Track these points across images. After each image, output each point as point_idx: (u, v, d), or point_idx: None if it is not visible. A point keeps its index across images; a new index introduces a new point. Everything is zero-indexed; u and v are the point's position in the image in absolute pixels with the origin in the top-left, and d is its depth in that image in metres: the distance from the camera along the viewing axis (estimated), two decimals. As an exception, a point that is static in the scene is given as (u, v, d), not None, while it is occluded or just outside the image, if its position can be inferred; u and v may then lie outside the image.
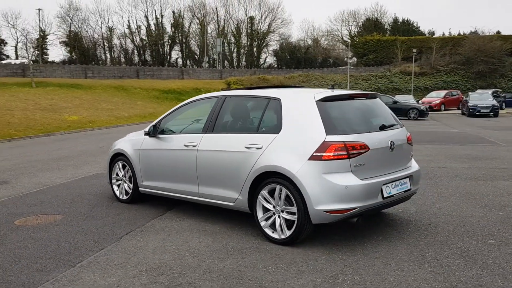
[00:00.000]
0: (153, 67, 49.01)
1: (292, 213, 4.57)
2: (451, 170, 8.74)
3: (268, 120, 5.00)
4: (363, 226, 5.25)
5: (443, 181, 7.68)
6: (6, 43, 58.93)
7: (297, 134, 4.63)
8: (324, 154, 4.37)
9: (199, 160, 5.43)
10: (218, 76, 50.27)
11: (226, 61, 73.83)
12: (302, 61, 68.65)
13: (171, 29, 70.00)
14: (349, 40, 62.54)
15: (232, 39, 74.25)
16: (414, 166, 5.29)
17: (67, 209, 6.27)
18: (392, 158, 4.85)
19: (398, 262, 4.15)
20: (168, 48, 70.14)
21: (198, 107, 5.93)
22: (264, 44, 74.92)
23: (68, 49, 63.08)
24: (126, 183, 6.54)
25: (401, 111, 26.49)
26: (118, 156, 6.67)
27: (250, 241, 4.81)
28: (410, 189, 5.00)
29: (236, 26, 73.17)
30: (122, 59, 67.44)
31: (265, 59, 76.85)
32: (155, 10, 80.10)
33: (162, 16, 69.56)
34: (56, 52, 76.33)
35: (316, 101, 4.65)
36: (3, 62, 48.37)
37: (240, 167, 4.96)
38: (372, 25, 67.74)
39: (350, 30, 72.71)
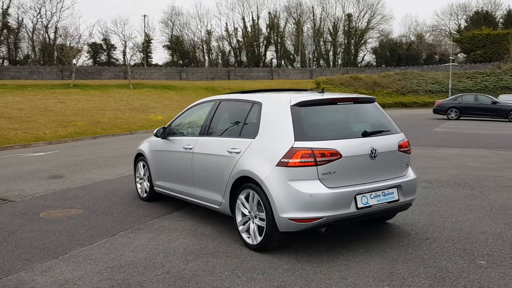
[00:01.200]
0: (244, 68, 50.48)
1: (263, 220, 4.54)
2: (507, 180, 7.86)
3: (249, 124, 5.00)
4: (355, 235, 5.00)
5: (485, 192, 6.95)
6: (116, 47, 64.70)
7: (270, 139, 4.58)
8: (290, 160, 4.27)
9: (193, 162, 5.61)
10: (309, 76, 50.13)
11: (322, 60, 73.37)
12: (403, 59, 65.70)
13: (267, 29, 71.37)
14: (457, 35, 58.38)
15: (329, 38, 73.50)
16: (408, 175, 4.90)
17: (92, 205, 6.84)
18: (373, 167, 4.56)
19: (357, 277, 3.91)
20: (263, 48, 71.62)
21: (204, 110, 6.09)
22: (362, 41, 73.03)
23: (170, 52, 67.42)
24: (145, 182, 6.95)
25: (500, 113, 24.23)
26: (140, 156, 7.11)
27: (229, 245, 4.85)
28: (397, 200, 4.66)
29: (333, 24, 72.29)
30: (219, 61, 70.32)
31: (363, 57, 74.92)
32: (251, 12, 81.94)
33: (258, 18, 71.30)
34: (160, 55, 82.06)
35: (290, 106, 4.55)
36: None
37: (223, 171, 5.03)
38: (481, 18, 62.49)
39: (460, 24, 67.85)
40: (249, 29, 70.73)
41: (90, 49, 62.35)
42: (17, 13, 62.32)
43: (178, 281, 3.96)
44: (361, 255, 4.44)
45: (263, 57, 71.71)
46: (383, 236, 5.02)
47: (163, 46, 68.00)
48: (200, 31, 71.84)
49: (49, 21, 58.36)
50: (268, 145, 4.55)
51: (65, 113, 22.31)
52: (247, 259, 4.45)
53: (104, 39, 62.50)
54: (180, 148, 5.91)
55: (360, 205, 4.38)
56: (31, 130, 17.86)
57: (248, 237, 4.74)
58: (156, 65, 62.40)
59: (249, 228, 4.75)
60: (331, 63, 71.77)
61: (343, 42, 73.06)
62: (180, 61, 60.91)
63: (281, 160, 4.32)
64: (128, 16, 75.43)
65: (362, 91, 43.88)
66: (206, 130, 5.60)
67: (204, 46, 69.89)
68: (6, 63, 56.52)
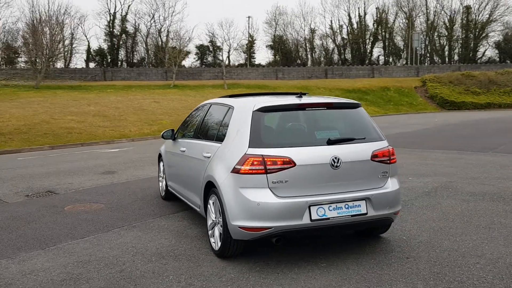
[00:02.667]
0: (343, 67, 49.50)
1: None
2: None
3: (222, 129, 4.97)
4: (333, 247, 4.70)
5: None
6: (221, 49, 67.56)
7: (231, 145, 4.51)
8: (241, 167, 4.18)
9: (184, 164, 5.76)
10: (414, 73, 47.43)
11: (436, 57, 68.92)
12: (532, 53, 58.96)
13: (373, 25, 69.09)
14: None
15: (444, 32, 68.78)
16: (386, 187, 4.46)
17: (116, 200, 7.33)
18: (336, 177, 4.24)
19: (291, 295, 3.70)
20: (369, 45, 69.44)
21: (201, 113, 6.19)
22: (482, 35, 67.07)
23: (272, 52, 68.57)
24: (163, 181, 7.27)
25: None
26: (160, 157, 7.45)
27: (200, 249, 4.87)
28: (364, 214, 4.28)
29: (449, 17, 67.49)
30: (322, 59, 69.74)
31: (484, 52, 68.77)
32: (358, 8, 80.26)
33: (365, 13, 69.38)
34: (262, 55, 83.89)
35: (252, 111, 4.44)
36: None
37: (199, 174, 5.09)
38: None
39: None
40: (354, 25, 69.13)
41: (198, 51, 66.02)
42: (134, 19, 68.28)
43: (121, 281, 4.09)
44: (317, 270, 4.17)
45: (369, 54, 69.51)
46: (360, 251, 4.64)
47: (266, 46, 69.41)
48: (304, 30, 72.11)
49: (161, 26, 63.07)
50: (229, 151, 4.50)
51: (155, 112, 23.97)
52: (203, 264, 4.44)
53: (211, 41, 65.67)
54: (178, 150, 6.09)
55: (315, 217, 4.12)
56: (119, 128, 19.54)
57: (214, 242, 4.74)
58: (259, 65, 63.92)
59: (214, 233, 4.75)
60: (446, 59, 67.05)
61: (460, 37, 67.84)
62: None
63: (235, 167, 4.25)
64: (233, 18, 78.32)
65: (474, 89, 40.33)
66: (196, 134, 5.72)
67: (307, 44, 69.86)
68: (124, 65, 62.26)
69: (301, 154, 4.18)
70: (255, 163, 4.12)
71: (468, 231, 5.18)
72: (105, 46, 62.18)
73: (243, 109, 4.64)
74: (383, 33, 69.14)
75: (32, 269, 4.44)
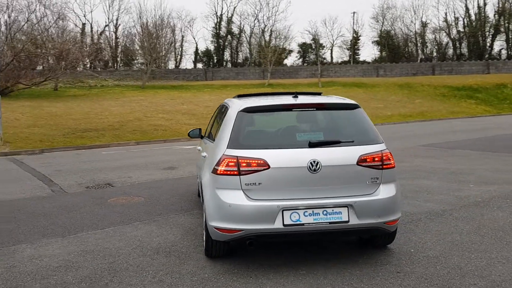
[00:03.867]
0: (452, 62, 46.06)
1: None
2: None
3: (219, 129, 4.99)
4: (324, 254, 4.47)
5: None
6: (324, 46, 66.88)
7: (217, 145, 4.52)
8: (218, 168, 4.18)
9: (199, 163, 5.89)
10: (539, 69, 42.39)
11: None
12: None
13: (495, 16, 63.06)
14: None
15: None
16: (375, 194, 4.12)
17: (157, 196, 7.70)
18: (314, 181, 4.02)
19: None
20: (489, 38, 63.57)
21: (215, 113, 6.24)
22: None
23: (379, 48, 66.10)
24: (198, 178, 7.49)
25: None
26: (198, 155, 7.68)
27: (197, 247, 4.94)
28: (345, 222, 3.99)
29: None
30: (434, 54, 65.51)
31: None
32: (478, -3, 73.70)
33: (485, 4, 63.58)
34: (368, 52, 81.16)
35: (237, 112, 4.41)
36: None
37: (200, 174, 5.20)
38: None
39: None
40: (472, 17, 63.80)
41: (300, 49, 66.17)
42: (239, 20, 70.53)
43: (104, 272, 4.31)
44: (292, 277, 4.01)
45: (489, 48, 63.61)
46: (352, 261, 4.34)
47: (372, 42, 67.16)
48: (414, 24, 68.23)
49: (265, 25, 64.26)
50: (214, 151, 4.51)
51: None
52: (188, 262, 4.51)
53: (313, 39, 65.33)
54: (199, 148, 6.26)
55: (288, 221, 3.96)
56: (203, 126, 20.33)
57: (203, 242, 4.78)
58: (364, 61, 62.09)
59: (209, 232, 4.80)
60: None
61: None
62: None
63: (214, 167, 4.26)
64: (337, 15, 76.93)
65: None
66: (208, 133, 5.83)
67: (417, 39, 66.13)
68: (229, 65, 64.68)
69: (276, 157, 4.05)
70: (230, 164, 4.08)
71: (491, 248, 4.58)
72: (211, 47, 65.29)
73: (233, 109, 4.62)
74: (506, 25, 62.78)
75: (41, 255, 4.89)
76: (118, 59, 59.53)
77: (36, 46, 28.48)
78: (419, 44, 66.47)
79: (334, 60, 65.93)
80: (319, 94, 5.45)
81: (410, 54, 66.04)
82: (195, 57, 65.07)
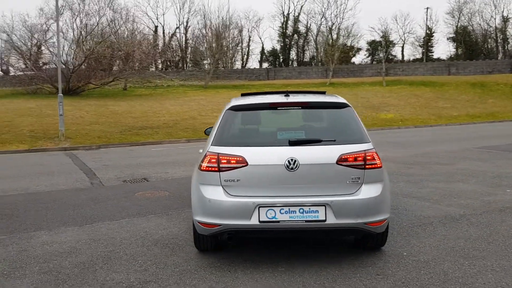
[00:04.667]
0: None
1: None
2: None
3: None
4: (309, 253, 4.45)
5: None
6: (395, 44, 64.75)
7: (207, 142, 4.66)
8: (202, 164, 4.32)
9: None
10: None
11: None
12: None
13: None
14: None
15: None
16: (356, 194, 4.05)
17: (182, 190, 7.96)
18: (292, 179, 4.04)
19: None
20: None
21: None
22: None
23: (454, 44, 62.84)
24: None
25: None
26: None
27: (189, 240, 5.09)
28: (322, 221, 3.95)
29: None
30: (517, 51, 61.10)
31: None
32: None
33: None
34: (442, 49, 77.21)
35: (225, 110, 4.54)
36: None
37: None
38: None
39: None
40: (562, 9, 58.77)
41: (369, 46, 64.59)
42: (306, 19, 70.20)
43: (99, 259, 4.60)
44: (268, 273, 4.06)
45: None
46: (334, 261, 4.29)
47: (448, 39, 63.99)
48: (494, 19, 64.01)
49: (333, 23, 63.43)
50: (204, 148, 4.66)
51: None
52: (178, 254, 4.69)
53: (383, 36, 63.48)
54: None
55: (263, 218, 4.01)
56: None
57: None
58: (438, 59, 59.34)
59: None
60: None
61: None
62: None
63: (200, 164, 4.41)
64: (409, 11, 74.03)
65: None
66: None
67: (497, 35, 62.06)
68: (295, 64, 64.66)
69: (255, 154, 4.13)
70: (212, 160, 4.21)
71: (491, 256, 4.33)
72: (277, 46, 65.61)
73: (224, 108, 4.75)
74: None
75: (53, 241, 5.30)
76: (188, 59, 61.69)
77: (105, 48, 30.27)
78: (499, 40, 62.39)
79: (406, 58, 63.70)
80: (323, 93, 5.42)
81: (489, 51, 62.18)
82: (261, 57, 65.74)
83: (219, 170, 4.16)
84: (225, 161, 4.15)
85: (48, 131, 17.24)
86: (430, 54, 62.76)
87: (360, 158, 4.10)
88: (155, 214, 6.37)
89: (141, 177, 9.59)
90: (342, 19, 77.25)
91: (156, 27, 61.96)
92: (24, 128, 17.73)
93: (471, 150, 12.42)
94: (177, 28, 62.30)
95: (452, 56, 61.47)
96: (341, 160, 4.07)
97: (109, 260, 4.58)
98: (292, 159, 4.04)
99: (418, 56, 63.22)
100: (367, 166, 4.11)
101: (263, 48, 65.88)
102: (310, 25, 65.57)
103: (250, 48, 66.11)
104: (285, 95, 4.70)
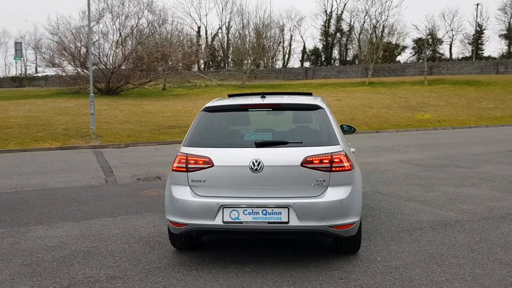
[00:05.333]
0: None
1: None
2: None
3: None
4: (284, 253, 4.45)
5: None
6: (442, 42, 62.68)
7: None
8: (173, 164, 4.42)
9: None
10: None
11: None
12: None
13: None
14: None
15: None
16: (321, 196, 4.02)
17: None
18: (256, 181, 4.08)
19: (170, 291, 3.79)
20: None
21: None
22: None
23: (507, 42, 60.09)
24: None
25: None
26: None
27: (167, 239, 5.14)
28: (285, 223, 3.95)
29: None
30: None
31: None
32: None
33: None
34: (494, 46, 73.75)
35: (200, 111, 4.64)
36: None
37: None
38: None
39: None
40: None
41: (415, 44, 62.86)
42: (349, 17, 69.08)
43: (80, 254, 4.79)
44: (231, 273, 4.11)
45: None
46: (302, 263, 4.28)
47: (499, 36, 61.24)
48: (552, 14, 60.61)
49: (377, 21, 62.18)
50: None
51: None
52: (155, 252, 4.80)
53: (430, 34, 61.61)
54: None
55: (227, 219, 4.06)
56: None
57: None
58: (489, 57, 56.94)
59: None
60: None
61: None
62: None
63: (173, 164, 4.50)
64: (458, 7, 71.40)
65: None
66: None
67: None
68: (337, 63, 63.91)
69: (221, 155, 4.20)
70: (181, 161, 4.32)
71: (469, 264, 4.19)
72: (320, 45, 65.08)
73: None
74: None
75: (46, 235, 5.55)
76: (229, 59, 62.28)
77: (144, 50, 31.15)
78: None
79: (454, 56, 61.57)
80: (310, 94, 5.40)
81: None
82: (302, 56, 65.49)
83: (187, 170, 4.25)
84: (193, 161, 4.24)
85: (81, 129, 17.94)
86: (480, 52, 60.33)
87: (326, 161, 4.07)
88: (151, 212, 6.53)
89: (155, 175, 9.83)
90: (387, 16, 75.52)
91: (199, 27, 63.03)
92: (59, 126, 18.53)
93: (501, 153, 11.89)
94: (219, 28, 63.12)
95: (504, 54, 58.81)
96: (306, 162, 4.06)
97: (88, 256, 4.76)
98: (256, 161, 4.07)
99: (468, 54, 61.00)
100: (333, 169, 4.07)
101: (304, 47, 65.68)
102: (354, 23, 64.60)
103: (292, 47, 66.07)
104: (261, 97, 4.73)
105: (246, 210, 4.05)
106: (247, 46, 41.81)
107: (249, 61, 39.24)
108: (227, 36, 63.86)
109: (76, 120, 20.01)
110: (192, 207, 4.16)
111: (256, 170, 4.06)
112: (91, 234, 5.54)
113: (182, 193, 4.25)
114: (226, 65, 61.61)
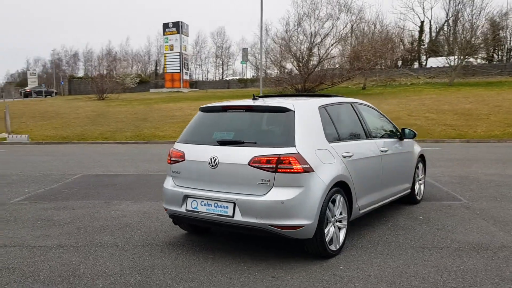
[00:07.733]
0: None
1: None
2: None
3: None
4: (269, 248, 4.68)
5: None
6: None
7: None
8: (168, 158, 5.23)
9: None
10: None
11: None
12: None
13: None
14: None
15: None
16: (264, 195, 4.28)
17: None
18: (214, 176, 4.59)
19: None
20: None
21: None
22: None
23: None
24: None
25: None
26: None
27: (158, 225, 5.92)
28: (230, 216, 4.40)
29: None
30: None
31: None
32: None
33: None
34: None
35: (199, 110, 5.29)
36: None
37: None
38: None
39: None
40: None
41: None
42: None
43: (81, 233, 5.61)
44: (218, 268, 4.36)
45: None
46: (285, 260, 4.54)
47: None
48: None
49: None
50: None
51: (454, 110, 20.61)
52: (151, 238, 5.38)
53: None
54: None
55: (189, 208, 4.72)
56: (464, 127, 18.95)
57: None
58: None
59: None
60: None
61: None
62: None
63: None
64: None
65: None
66: None
67: None
68: None
69: (191, 151, 4.87)
70: (171, 154, 5.11)
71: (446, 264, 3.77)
72: None
73: None
74: None
75: (124, 209, 6.87)
76: (456, 54, 57.41)
77: (339, 49, 31.85)
78: None
79: None
80: (320, 95, 5.59)
81: None
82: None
83: (170, 162, 5.04)
84: (173, 155, 5.02)
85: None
86: None
87: (272, 161, 4.29)
88: (156, 201, 7.35)
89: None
90: None
91: (422, 22, 60.02)
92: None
93: None
94: (445, 22, 58.78)
95: None
96: (253, 162, 4.36)
97: (89, 236, 5.46)
98: (213, 158, 4.58)
99: None
100: (279, 170, 4.26)
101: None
102: None
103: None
104: (252, 99, 5.08)
105: (203, 201, 4.62)
106: (480, 39, 38.34)
107: (460, 56, 35.70)
108: (454, 29, 58.92)
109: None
110: (169, 195, 4.96)
111: (213, 166, 4.58)
112: (96, 216, 6.44)
113: (167, 182, 5.10)
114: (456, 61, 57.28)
